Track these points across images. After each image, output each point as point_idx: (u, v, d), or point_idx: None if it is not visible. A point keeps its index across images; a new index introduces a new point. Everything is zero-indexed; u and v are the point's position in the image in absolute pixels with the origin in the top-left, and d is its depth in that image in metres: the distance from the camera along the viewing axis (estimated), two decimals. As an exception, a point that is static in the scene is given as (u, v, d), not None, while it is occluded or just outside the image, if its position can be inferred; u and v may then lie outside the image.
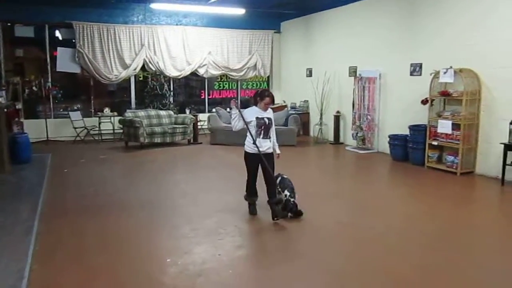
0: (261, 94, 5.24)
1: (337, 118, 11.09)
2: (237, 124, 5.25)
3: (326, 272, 3.89)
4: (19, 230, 4.65)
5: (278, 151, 5.47)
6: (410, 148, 8.53)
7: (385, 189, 7.24)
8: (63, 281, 3.69)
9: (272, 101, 5.26)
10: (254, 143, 5.12)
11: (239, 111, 5.20)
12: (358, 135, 10.24)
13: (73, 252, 4.30)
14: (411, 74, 8.90)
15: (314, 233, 4.82)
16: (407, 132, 8.66)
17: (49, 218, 5.25)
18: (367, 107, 10.11)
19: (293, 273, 3.84)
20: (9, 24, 11.18)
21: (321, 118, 11.51)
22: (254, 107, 5.29)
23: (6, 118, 8.31)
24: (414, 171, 8.01)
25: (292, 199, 5.24)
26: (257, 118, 5.14)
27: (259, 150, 5.11)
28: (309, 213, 5.43)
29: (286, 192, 5.30)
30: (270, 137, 5.27)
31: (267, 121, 5.18)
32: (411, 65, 8.88)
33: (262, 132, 5.17)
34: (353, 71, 10.63)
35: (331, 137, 11.37)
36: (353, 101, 10.38)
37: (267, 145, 5.23)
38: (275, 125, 5.46)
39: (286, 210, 5.16)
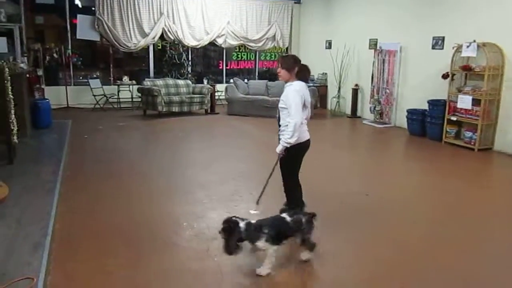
0: None
1: (355, 91, 11.00)
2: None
3: (337, 238, 3.97)
4: (41, 191, 4.81)
5: (278, 148, 3.96)
6: (428, 123, 8.45)
7: (400, 163, 7.23)
8: (84, 240, 3.84)
9: (281, 65, 3.92)
10: None
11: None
12: (376, 109, 10.16)
13: (91, 213, 4.45)
14: (433, 48, 8.73)
15: (326, 202, 4.88)
16: (425, 106, 8.56)
17: (69, 181, 5.42)
18: (386, 81, 9.99)
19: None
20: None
21: (339, 91, 11.43)
22: None
23: (27, 83, 8.48)
24: (431, 146, 7.96)
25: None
26: None
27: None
28: (322, 183, 5.51)
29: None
30: (280, 125, 3.99)
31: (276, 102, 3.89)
32: (433, 38, 8.69)
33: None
34: (373, 44, 10.46)
35: (348, 110, 11.30)
36: (372, 74, 10.26)
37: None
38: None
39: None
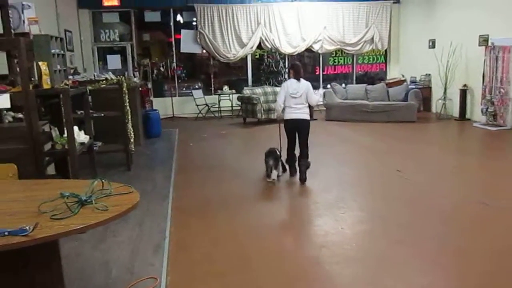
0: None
1: (463, 92, 10.26)
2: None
3: (452, 252, 3.69)
4: (157, 196, 5.17)
5: None
6: (553, 124, 7.59)
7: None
8: (197, 242, 4.00)
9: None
10: None
11: None
12: (489, 110, 9.36)
13: (203, 218, 4.61)
14: (557, 41, 7.85)
15: (438, 214, 4.58)
16: (549, 106, 7.71)
17: (180, 187, 5.71)
18: (500, 80, 9.17)
19: (415, 251, 3.72)
20: (136, 10, 12.18)
21: (445, 93, 10.74)
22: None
23: (140, 96, 9.17)
24: (558, 150, 7.14)
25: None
26: None
27: None
28: (432, 192, 5.22)
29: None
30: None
31: None
32: (557, 30, 7.82)
33: None
34: (483, 40, 9.69)
35: (455, 113, 10.57)
36: (484, 73, 9.49)
37: None
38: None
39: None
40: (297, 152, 5.94)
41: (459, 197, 5.04)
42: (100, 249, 3.78)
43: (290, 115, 5.72)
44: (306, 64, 13.97)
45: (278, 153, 5.84)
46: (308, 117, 5.79)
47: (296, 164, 5.95)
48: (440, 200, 4.95)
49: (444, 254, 3.64)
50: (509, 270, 3.36)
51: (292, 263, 3.60)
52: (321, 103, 10.97)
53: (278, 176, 5.80)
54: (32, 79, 4.61)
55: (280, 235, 4.22)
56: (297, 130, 5.76)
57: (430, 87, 11.76)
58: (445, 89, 10.70)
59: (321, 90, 7.04)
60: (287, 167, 6.06)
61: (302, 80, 5.76)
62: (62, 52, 6.16)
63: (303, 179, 5.67)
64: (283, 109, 5.81)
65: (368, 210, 4.79)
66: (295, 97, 5.63)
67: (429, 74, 11.73)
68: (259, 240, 4.06)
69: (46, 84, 4.11)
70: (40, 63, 4.10)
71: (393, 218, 4.51)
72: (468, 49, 10.15)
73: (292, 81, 5.77)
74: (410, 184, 5.65)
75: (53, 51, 5.33)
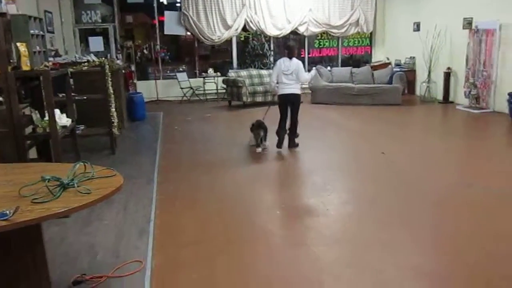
0: None
1: (447, 75, 10.34)
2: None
3: (437, 233, 3.75)
4: (142, 180, 5.12)
5: None
6: (534, 107, 7.71)
7: (503, 150, 6.67)
8: (182, 225, 3.99)
9: None
10: None
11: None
12: (472, 93, 9.47)
13: (187, 200, 4.61)
14: (539, 24, 7.92)
15: (423, 196, 4.64)
16: (531, 89, 7.82)
17: (165, 170, 5.66)
18: (483, 63, 9.26)
19: (401, 233, 3.77)
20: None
21: (429, 76, 10.81)
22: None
23: (124, 79, 9.03)
24: (538, 132, 7.27)
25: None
26: None
27: None
28: (417, 174, 5.27)
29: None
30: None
31: None
32: (540, 13, 7.89)
33: None
34: (467, 23, 9.73)
35: (439, 95, 10.66)
36: (467, 57, 9.56)
37: None
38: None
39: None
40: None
41: (443, 179, 5.11)
42: (84, 232, 3.74)
43: (282, 90, 6.36)
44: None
45: (265, 124, 6.46)
46: (299, 92, 6.42)
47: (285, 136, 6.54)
48: (424, 182, 5.02)
49: (429, 235, 3.70)
50: (496, 249, 3.43)
51: (278, 245, 3.61)
52: (306, 85, 10.95)
53: (264, 148, 6.46)
54: (11, 60, 4.49)
55: (266, 217, 4.22)
56: (289, 103, 6.38)
57: (415, 70, 11.82)
58: (429, 72, 10.77)
59: (313, 72, 7.35)
60: (267, 144, 6.60)
61: (294, 59, 6.33)
62: (41, 33, 5.99)
63: (292, 145, 6.53)
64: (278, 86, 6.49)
65: (354, 192, 4.83)
66: (287, 74, 6.26)
67: (414, 57, 11.78)
68: (246, 223, 4.06)
69: (26, 65, 4.01)
70: (18, 44, 3.99)
71: (379, 200, 4.55)
72: (452, 32, 10.20)
73: (285, 59, 6.37)
74: (395, 166, 5.70)
75: (32, 32, 5.18)
